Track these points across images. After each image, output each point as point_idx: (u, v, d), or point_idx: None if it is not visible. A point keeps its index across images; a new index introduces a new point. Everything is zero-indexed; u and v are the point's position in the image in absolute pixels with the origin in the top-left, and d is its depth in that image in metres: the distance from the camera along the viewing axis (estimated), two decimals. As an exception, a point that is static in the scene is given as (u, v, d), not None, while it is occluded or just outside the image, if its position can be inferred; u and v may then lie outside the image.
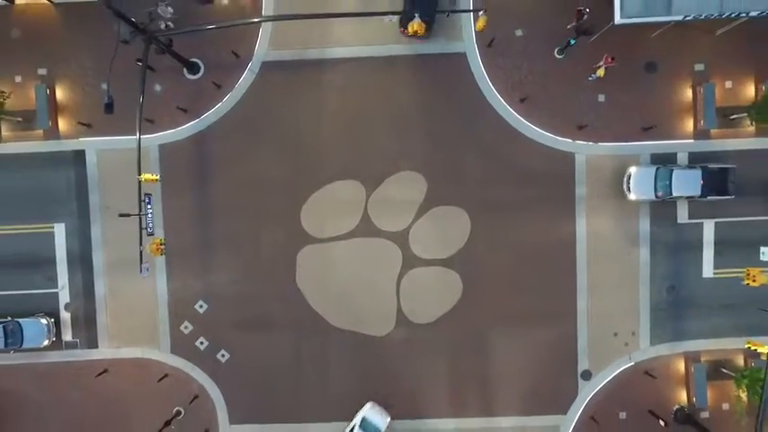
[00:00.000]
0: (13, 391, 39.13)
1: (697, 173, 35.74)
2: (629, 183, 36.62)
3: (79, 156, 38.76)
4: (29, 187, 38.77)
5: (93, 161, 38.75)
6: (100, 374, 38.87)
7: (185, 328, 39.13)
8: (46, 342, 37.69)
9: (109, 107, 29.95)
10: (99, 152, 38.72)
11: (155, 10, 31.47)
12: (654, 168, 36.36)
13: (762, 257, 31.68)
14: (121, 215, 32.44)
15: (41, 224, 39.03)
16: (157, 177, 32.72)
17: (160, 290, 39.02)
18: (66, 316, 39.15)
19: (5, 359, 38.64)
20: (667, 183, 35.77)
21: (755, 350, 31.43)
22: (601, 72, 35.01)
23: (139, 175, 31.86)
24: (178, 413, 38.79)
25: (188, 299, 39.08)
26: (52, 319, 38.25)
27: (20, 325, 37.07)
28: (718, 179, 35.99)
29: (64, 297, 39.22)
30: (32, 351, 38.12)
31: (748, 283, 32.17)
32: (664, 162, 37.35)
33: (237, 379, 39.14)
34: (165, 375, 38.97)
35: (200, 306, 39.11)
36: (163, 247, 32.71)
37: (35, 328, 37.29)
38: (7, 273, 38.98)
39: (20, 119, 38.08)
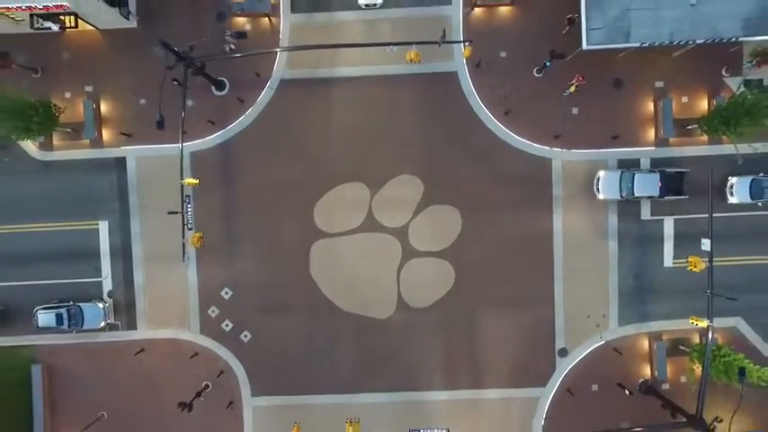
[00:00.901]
0: (63, 368, 44.72)
1: (656, 176, 41.40)
2: (598, 184, 42.25)
3: (120, 162, 44.41)
4: (77, 189, 44.42)
5: (133, 166, 44.42)
6: (138, 353, 44.46)
7: (212, 312, 44.73)
8: (102, 324, 43.39)
9: (160, 124, 35.71)
10: (138, 158, 44.39)
11: (226, 37, 40.17)
12: (619, 172, 42.00)
13: (702, 248, 37.13)
14: (170, 213, 38.34)
15: (88, 221, 44.67)
16: (198, 181, 38.38)
17: (191, 279, 44.63)
18: (108, 302, 44.65)
19: (58, 339, 44.26)
20: (630, 185, 41.40)
21: (696, 324, 36.88)
22: (573, 88, 40.82)
23: (182, 179, 37.45)
24: (206, 386, 44.26)
25: (215, 286, 44.68)
26: (107, 304, 43.84)
27: (81, 309, 42.74)
28: (675, 181, 41.67)
29: (107, 285, 44.83)
30: (85, 332, 43.72)
31: (692, 269, 37.75)
32: (628, 167, 42.94)
33: (258, 356, 44.68)
34: (195, 354, 44.54)
35: (226, 293, 44.70)
36: (203, 239, 38.30)
37: (94, 312, 43.04)
38: (58, 264, 44.58)
39: (69, 130, 43.69)
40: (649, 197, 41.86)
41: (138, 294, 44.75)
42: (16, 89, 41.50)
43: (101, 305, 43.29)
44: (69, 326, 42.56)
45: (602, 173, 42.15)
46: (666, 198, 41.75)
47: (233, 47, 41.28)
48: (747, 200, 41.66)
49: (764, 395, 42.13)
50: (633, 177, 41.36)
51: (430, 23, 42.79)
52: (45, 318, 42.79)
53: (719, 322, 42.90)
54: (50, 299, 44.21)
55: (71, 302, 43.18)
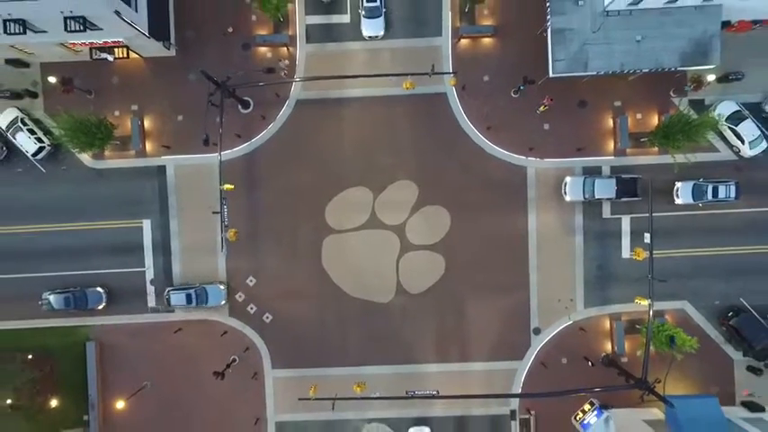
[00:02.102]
0: (113, 344, 52.59)
1: (613, 181, 49.27)
2: (565, 188, 50.11)
3: (161, 169, 52.24)
4: (124, 193, 52.24)
5: (172, 173, 52.26)
6: (176, 332, 52.30)
7: (239, 297, 52.57)
8: (223, 302, 51.29)
9: (206, 142, 43.65)
10: (176, 167, 52.24)
11: (279, 64, 49.00)
12: (583, 178, 49.85)
13: (645, 241, 44.97)
14: (214, 212, 46.47)
15: (133, 220, 52.51)
16: (233, 186, 46.24)
17: (221, 269, 52.45)
18: (151, 288, 52.60)
19: (108, 320, 52.13)
20: (592, 188, 49.28)
21: (639, 303, 44.77)
22: (543, 108, 48.70)
23: (221, 184, 45.32)
24: (234, 360, 52.04)
25: (241, 275, 52.51)
26: (225, 286, 51.45)
27: (205, 290, 50.64)
28: (629, 185, 49.51)
29: (149, 275, 52.67)
30: (134, 314, 51.89)
31: (636, 259, 45.63)
32: (591, 173, 50.80)
33: (278, 335, 52.48)
34: (225, 332, 52.39)
35: (251, 281, 52.54)
36: (238, 234, 46.29)
37: (216, 292, 51.04)
38: (108, 257, 52.39)
39: (118, 142, 51.54)
40: (608, 199, 49.69)
41: (175, 282, 52.46)
42: (80, 110, 49.34)
43: (222, 287, 51.16)
44: (197, 304, 50.43)
45: (568, 178, 50.00)
46: (623, 199, 49.60)
47: (285, 73, 50.07)
48: (690, 201, 49.54)
49: (702, 365, 50.23)
50: (594, 182, 49.24)
51: (424, 52, 50.85)
52: (177, 297, 50.72)
53: (669, 305, 51.26)
54: (105, 285, 52.00)
55: (198, 284, 51.01)
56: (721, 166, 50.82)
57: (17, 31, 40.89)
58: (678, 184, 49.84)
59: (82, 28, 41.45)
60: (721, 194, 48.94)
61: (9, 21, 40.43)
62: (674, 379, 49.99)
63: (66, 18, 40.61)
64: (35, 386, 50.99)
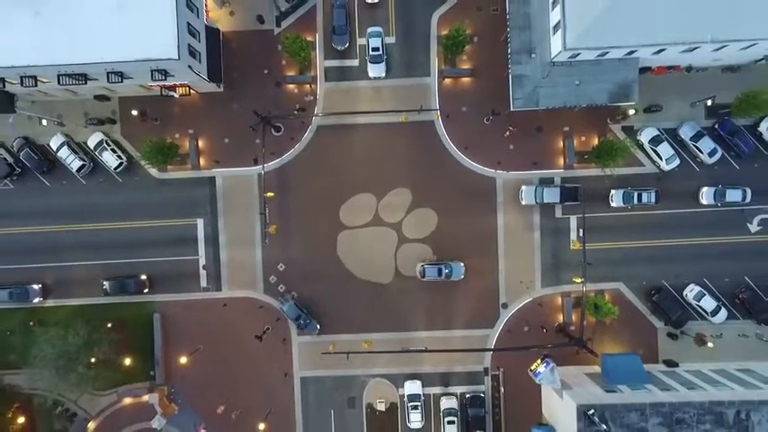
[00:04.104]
0: (174, 316, 67.25)
1: (557, 189, 63.76)
2: (521, 195, 64.57)
3: (212, 180, 66.91)
4: (183, 198, 66.90)
5: (220, 182, 66.96)
6: (223, 306, 66.98)
7: (272, 279, 67.23)
8: (462, 276, 64.64)
9: (255, 161, 58.39)
10: (223, 177, 66.92)
11: (303, 100, 62.40)
12: (534, 187, 64.23)
13: (579, 235, 59.58)
14: (261, 213, 61.24)
15: (189, 219, 67.16)
16: (273, 194, 60.95)
17: (257, 257, 67.08)
18: (203, 272, 67.13)
19: (171, 297, 66.79)
20: (541, 195, 63.79)
21: (576, 281, 59.41)
22: (508, 133, 63.42)
23: (265, 192, 60.17)
24: (268, 328, 66.66)
25: (273, 262, 67.16)
26: (464, 265, 65.12)
27: (451, 266, 63.95)
28: (571, 192, 64.03)
29: (202, 261, 67.31)
30: (190, 292, 66.48)
31: (574, 249, 60.26)
32: (546, 183, 65.29)
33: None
34: (261, 306, 67.07)
35: (281, 266, 67.19)
36: (278, 229, 61.16)
37: (458, 268, 64.51)
38: (169, 247, 67.01)
39: (178, 158, 66.17)
40: (555, 203, 64.10)
41: (222, 268, 67.20)
42: (149, 134, 64.19)
43: (462, 264, 64.68)
44: (445, 277, 64.27)
45: (524, 187, 64.59)
46: (566, 204, 64.16)
47: (305, 108, 65.04)
48: (621, 204, 64.08)
49: (633, 332, 64.87)
50: (543, 190, 63.82)
51: (416, 89, 65.62)
52: (430, 271, 64.13)
53: (607, 285, 65.99)
54: (164, 273, 66.76)
55: (446, 261, 64.87)
56: (647, 177, 65.48)
57: (116, 80, 55.59)
58: (612, 191, 64.45)
59: (163, 77, 56.12)
60: (645, 199, 63.60)
61: (110, 73, 55.11)
62: (611, 343, 65.00)
63: (152, 70, 55.24)
64: (113, 348, 65.34)
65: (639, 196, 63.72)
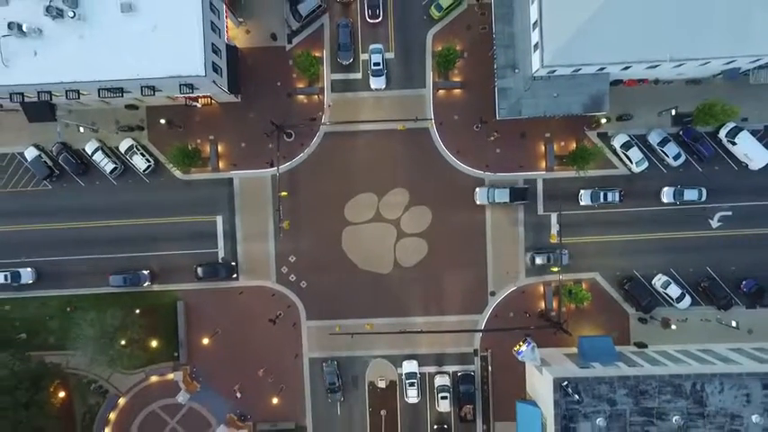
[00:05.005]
0: (196, 302, 74.90)
1: (507, 190, 70.99)
2: (475, 195, 71.86)
3: (230, 181, 74.56)
4: (204, 197, 74.54)
5: (237, 183, 74.63)
6: (240, 293, 74.67)
7: (284, 269, 74.89)
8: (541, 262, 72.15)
9: (270, 164, 66.08)
10: (240, 179, 74.59)
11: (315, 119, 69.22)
12: (487, 188, 71.37)
13: (553, 230, 67.24)
14: (276, 210, 68.88)
15: (210, 216, 74.81)
16: (287, 193, 68.60)
17: (271, 249, 74.73)
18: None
19: (192, 286, 74.39)
20: (493, 195, 71.05)
21: (553, 270, 67.09)
22: (492, 138, 71.09)
23: (279, 192, 67.84)
24: (280, 314, 74.18)
25: (285, 254, 74.80)
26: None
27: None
28: (520, 192, 71.44)
29: (221, 254, 74.93)
30: (210, 281, 74.09)
31: (552, 241, 67.99)
32: (495, 185, 72.02)
33: (310, 296, 74.69)
34: (273, 294, 74.74)
35: (291, 258, 74.85)
36: (289, 224, 68.91)
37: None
38: (192, 241, 74.62)
39: (200, 161, 73.85)
40: (505, 202, 71.27)
41: (239, 259, 74.81)
42: (174, 140, 71.89)
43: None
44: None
45: (477, 189, 72.01)
46: (516, 203, 71.53)
47: (315, 118, 72.53)
48: (589, 203, 71.66)
49: (608, 317, 72.55)
50: (494, 191, 71.22)
51: (413, 99, 73.25)
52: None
53: (584, 275, 73.58)
54: (186, 264, 74.39)
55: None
56: (619, 178, 73.13)
57: (148, 93, 63.34)
58: (581, 191, 72.09)
59: (189, 90, 63.84)
60: (610, 198, 71.32)
61: (144, 87, 62.83)
62: (588, 327, 72.73)
63: (180, 84, 62.91)
64: (143, 330, 72.92)
65: (605, 195, 71.31)
